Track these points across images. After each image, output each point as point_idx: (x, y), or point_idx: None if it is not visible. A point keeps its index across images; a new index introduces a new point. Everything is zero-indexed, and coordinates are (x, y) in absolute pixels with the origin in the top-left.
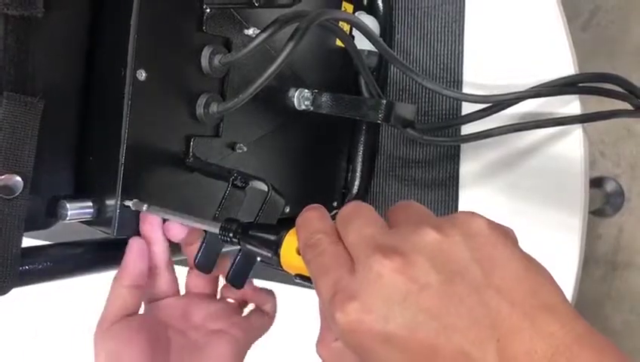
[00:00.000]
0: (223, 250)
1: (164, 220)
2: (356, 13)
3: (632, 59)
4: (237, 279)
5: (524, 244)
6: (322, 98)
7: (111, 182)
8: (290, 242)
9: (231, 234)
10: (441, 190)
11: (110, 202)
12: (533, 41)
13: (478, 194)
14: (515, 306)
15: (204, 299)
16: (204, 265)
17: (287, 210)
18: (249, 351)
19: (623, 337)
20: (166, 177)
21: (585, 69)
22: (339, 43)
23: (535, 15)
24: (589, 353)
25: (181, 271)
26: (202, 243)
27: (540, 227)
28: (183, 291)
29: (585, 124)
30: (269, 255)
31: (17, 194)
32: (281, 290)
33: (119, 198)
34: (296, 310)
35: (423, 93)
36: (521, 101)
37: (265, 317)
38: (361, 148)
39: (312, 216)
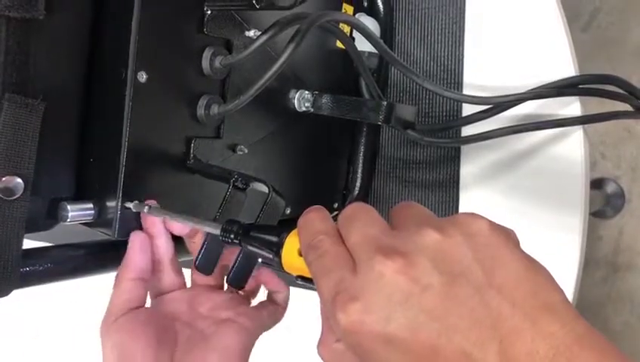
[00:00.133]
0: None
1: None
2: (357, 15)
3: (632, 60)
4: (238, 280)
5: (525, 245)
6: (323, 99)
7: (112, 183)
8: (291, 243)
9: (232, 236)
10: (441, 191)
11: (111, 204)
12: (533, 43)
13: (479, 195)
14: (516, 307)
15: (210, 290)
16: (205, 266)
17: (288, 211)
18: (252, 353)
19: (624, 338)
20: (167, 179)
21: (585, 71)
22: (339, 44)
23: (535, 16)
24: (589, 353)
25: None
26: (203, 244)
27: (541, 228)
28: (188, 285)
29: (585, 126)
30: (271, 256)
31: (18, 195)
32: None
33: (120, 200)
34: (297, 311)
35: (424, 95)
36: (521, 102)
37: (275, 307)
38: (361, 150)
39: (314, 217)
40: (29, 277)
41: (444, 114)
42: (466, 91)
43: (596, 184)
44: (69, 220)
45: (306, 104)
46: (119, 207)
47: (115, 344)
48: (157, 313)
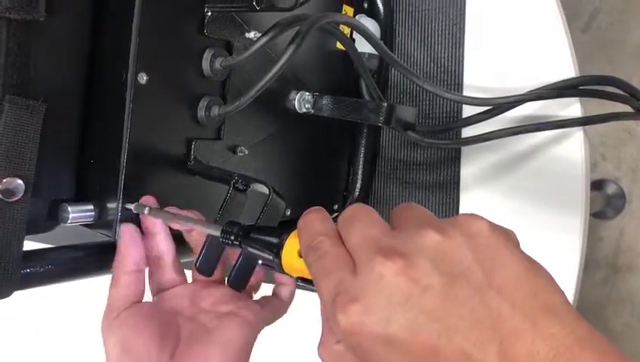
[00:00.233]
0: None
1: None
2: (357, 16)
3: (632, 60)
4: (238, 282)
5: (525, 246)
6: (323, 101)
7: (112, 185)
8: (291, 245)
9: (232, 237)
10: (442, 192)
11: (111, 205)
12: (533, 44)
13: (479, 196)
14: (516, 307)
15: (212, 285)
16: (206, 267)
17: (289, 212)
18: (252, 354)
19: (624, 340)
20: (167, 180)
21: (585, 71)
22: (339, 46)
23: (535, 17)
24: (590, 355)
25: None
26: (203, 246)
27: (541, 229)
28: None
29: (585, 127)
30: (271, 258)
31: (19, 197)
32: None
33: (120, 201)
34: (298, 313)
35: (424, 96)
36: (521, 104)
37: (279, 301)
38: (362, 151)
39: (314, 218)
40: (30, 279)
41: (445, 115)
42: (466, 93)
43: (597, 185)
44: (69, 222)
45: (307, 105)
46: (120, 209)
47: (118, 339)
48: (159, 308)
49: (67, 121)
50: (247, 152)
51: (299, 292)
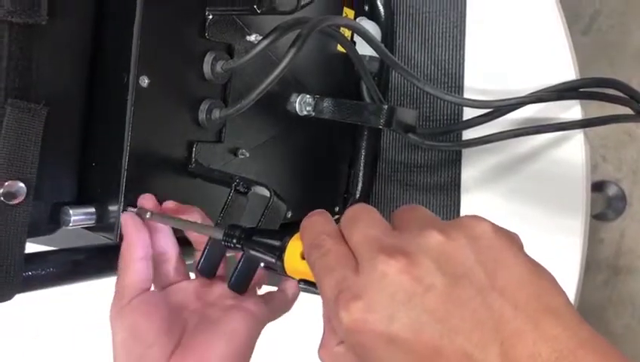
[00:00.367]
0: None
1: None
2: (357, 19)
3: (632, 63)
4: (239, 285)
5: (526, 248)
6: (324, 103)
7: (113, 187)
8: (294, 247)
9: (234, 241)
10: (442, 195)
11: (113, 208)
12: (533, 46)
13: (480, 198)
14: (519, 309)
15: (216, 280)
16: (207, 270)
17: (289, 215)
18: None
19: (625, 341)
20: (168, 183)
21: (585, 74)
22: (340, 49)
23: (535, 20)
24: (592, 357)
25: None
26: (205, 248)
27: (542, 231)
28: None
29: (586, 129)
30: (273, 260)
31: (21, 200)
32: None
33: (122, 204)
34: (299, 314)
35: (425, 99)
36: (522, 106)
37: (283, 296)
38: (362, 153)
39: (317, 219)
40: (31, 282)
41: (445, 117)
42: (466, 95)
43: (597, 187)
44: (71, 224)
45: (308, 108)
46: (121, 211)
47: (129, 324)
48: (166, 300)
49: (69, 124)
50: (248, 155)
51: (301, 295)
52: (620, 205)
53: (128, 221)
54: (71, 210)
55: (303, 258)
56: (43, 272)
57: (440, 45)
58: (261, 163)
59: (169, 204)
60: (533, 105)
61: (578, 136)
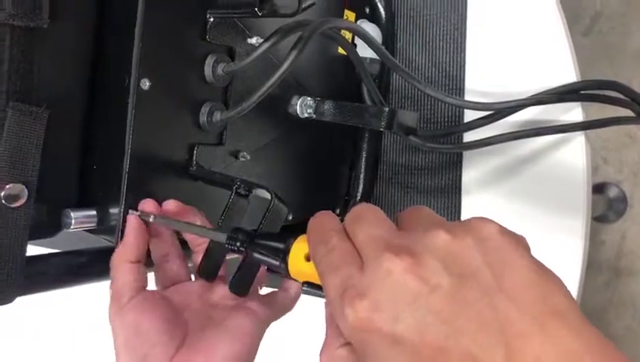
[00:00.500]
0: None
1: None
2: (358, 22)
3: (633, 64)
4: (240, 287)
5: None
6: (325, 106)
7: (114, 190)
8: (298, 249)
9: (238, 243)
10: (443, 197)
11: (114, 210)
12: (534, 48)
13: (481, 200)
14: (525, 311)
15: (217, 281)
16: (208, 273)
17: (290, 217)
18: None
19: (626, 343)
20: (169, 185)
21: (586, 75)
22: (341, 51)
23: (536, 21)
24: (597, 360)
25: None
26: (206, 251)
27: (543, 233)
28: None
29: (587, 131)
30: (277, 263)
31: (22, 202)
32: None
33: (123, 207)
34: (300, 316)
35: (426, 101)
36: (523, 108)
37: (285, 295)
38: (363, 156)
39: (324, 218)
40: (33, 284)
41: (446, 120)
42: (467, 97)
43: (598, 188)
44: (72, 227)
45: (309, 110)
46: (122, 214)
47: (130, 322)
48: (168, 299)
49: (70, 127)
50: (249, 157)
51: (303, 297)
52: (621, 207)
53: (133, 223)
54: (72, 212)
55: (307, 260)
56: (44, 275)
57: (441, 47)
58: (262, 165)
59: (170, 204)
60: (534, 107)
61: (579, 138)
